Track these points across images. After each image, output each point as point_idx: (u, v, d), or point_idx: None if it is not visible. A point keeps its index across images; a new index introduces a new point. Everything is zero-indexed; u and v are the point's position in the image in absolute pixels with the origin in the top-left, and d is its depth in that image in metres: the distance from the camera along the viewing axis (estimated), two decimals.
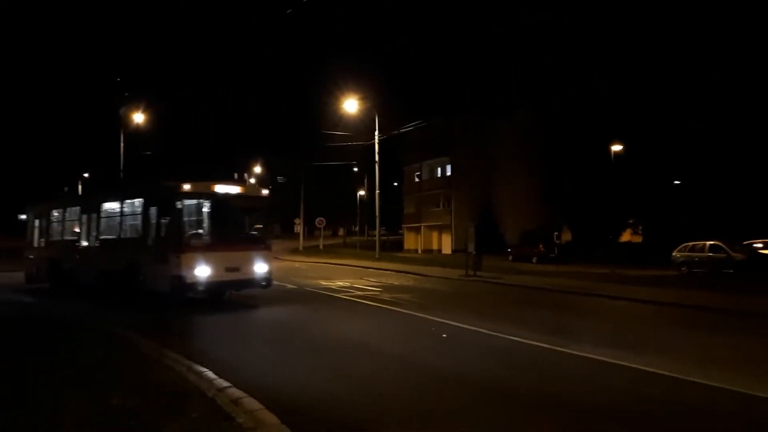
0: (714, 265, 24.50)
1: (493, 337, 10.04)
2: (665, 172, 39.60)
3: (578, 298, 16.82)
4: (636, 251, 36.97)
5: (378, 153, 37.54)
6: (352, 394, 6.63)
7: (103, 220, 16.09)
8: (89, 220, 16.62)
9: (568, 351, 8.76)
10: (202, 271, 12.84)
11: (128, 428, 5.04)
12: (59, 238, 18.36)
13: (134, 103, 34.81)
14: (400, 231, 66.58)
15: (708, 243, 25.67)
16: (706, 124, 35.97)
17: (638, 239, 45.40)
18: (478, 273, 23.39)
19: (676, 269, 26.30)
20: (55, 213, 18.86)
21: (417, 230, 61.33)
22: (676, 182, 41.11)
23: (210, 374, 6.79)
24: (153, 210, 13.90)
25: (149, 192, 14.63)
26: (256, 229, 15.08)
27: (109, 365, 7.30)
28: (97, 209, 16.26)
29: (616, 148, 37.21)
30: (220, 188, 13.91)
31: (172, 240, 12.92)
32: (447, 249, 54.85)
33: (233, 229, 14.34)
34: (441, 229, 57.78)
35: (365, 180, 66.35)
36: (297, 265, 33.67)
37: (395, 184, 68.40)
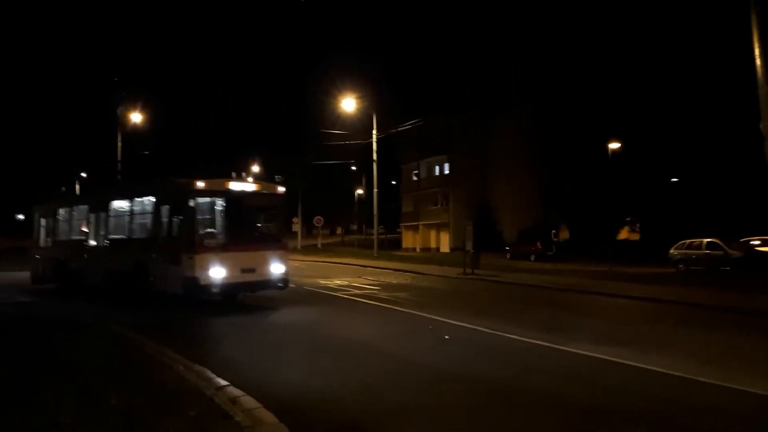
0: (711, 263, 24.56)
1: (491, 335, 10.05)
2: (663, 170, 39.64)
3: (576, 296, 16.86)
4: (633, 249, 37.01)
5: (376, 152, 37.55)
6: (350, 393, 6.63)
7: (111, 219, 15.61)
8: (97, 218, 16.16)
9: (567, 349, 8.77)
10: (217, 273, 12.34)
11: (127, 427, 5.04)
12: (66, 237, 17.88)
13: (131, 103, 34.78)
14: (399, 229, 66.61)
15: (705, 240, 25.72)
16: (704, 122, 36.02)
17: (635, 237, 45.46)
18: (476, 271, 23.42)
19: (674, 267, 26.36)
20: (62, 212, 18.37)
21: (415, 229, 61.38)
22: (674, 180, 41.18)
23: (208, 373, 6.79)
24: (165, 208, 13.39)
25: (161, 190, 14.08)
26: (272, 228, 14.63)
27: (109, 365, 7.29)
28: (106, 208, 15.76)
29: (614, 146, 37.25)
30: (235, 185, 13.43)
31: (185, 240, 12.43)
32: (445, 247, 54.91)
33: (248, 228, 13.82)
34: (439, 227, 57.84)
35: (363, 179, 66.30)
36: (295, 263, 33.54)
37: (393, 182, 68.41)
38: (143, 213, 14.46)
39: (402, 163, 63.51)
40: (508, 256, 38.08)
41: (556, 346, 8.96)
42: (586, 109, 41.42)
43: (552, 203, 44.42)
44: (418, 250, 58.00)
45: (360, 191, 71.19)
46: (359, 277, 23.12)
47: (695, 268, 25.16)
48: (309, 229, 63.70)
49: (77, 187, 52.75)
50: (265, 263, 13.32)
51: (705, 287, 17.62)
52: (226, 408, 5.51)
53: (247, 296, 14.55)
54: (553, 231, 36.03)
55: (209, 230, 13.16)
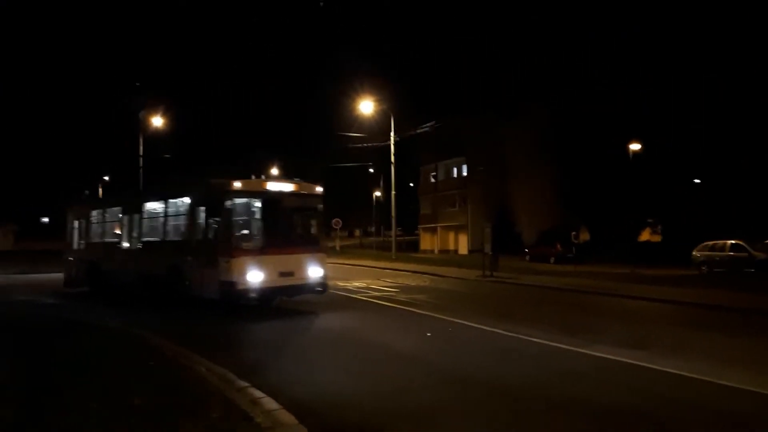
0: (735, 265, 24.15)
1: (511, 338, 9.99)
2: (685, 171, 39.09)
3: (598, 299, 16.68)
4: (655, 251, 36.52)
5: (393, 154, 37.57)
6: (369, 395, 6.64)
7: (145, 221, 15.31)
8: (130, 221, 15.86)
9: (588, 352, 8.68)
10: (255, 276, 11.91)
11: (149, 427, 5.11)
12: (99, 239, 17.62)
13: (153, 107, 35.25)
14: (416, 232, 66.49)
15: (729, 242, 25.30)
16: (728, 122, 35.46)
17: (657, 239, 44.85)
18: (494, 273, 23.30)
19: (697, 269, 25.96)
20: (95, 213, 18.11)
21: (433, 231, 61.24)
22: (696, 181, 40.56)
23: (230, 375, 6.86)
24: (200, 210, 12.98)
25: (196, 191, 13.60)
26: (310, 229, 14.23)
27: (133, 367, 7.39)
28: (139, 209, 15.45)
29: (635, 146, 36.79)
30: (273, 186, 13.14)
31: (222, 242, 12.04)
32: (463, 249, 54.67)
33: (286, 229, 13.36)
34: (457, 229, 57.62)
35: (381, 181, 66.33)
36: None
37: (411, 184, 68.32)
38: (178, 215, 14.21)
39: (419, 165, 63.41)
40: (527, 258, 37.81)
41: (576, 349, 8.88)
42: (604, 110, 41.00)
43: (571, 204, 43.97)
44: (436, 252, 57.85)
45: (378, 193, 71.25)
46: (378, 279, 23.13)
47: (719, 270, 24.75)
48: (327, 231, 63.85)
49: (100, 190, 53.60)
50: (303, 266, 12.96)
51: (729, 290, 17.33)
52: (247, 409, 5.56)
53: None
54: (573, 233, 35.56)
55: (246, 232, 12.79)
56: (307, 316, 12.84)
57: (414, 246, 62.81)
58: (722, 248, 25.48)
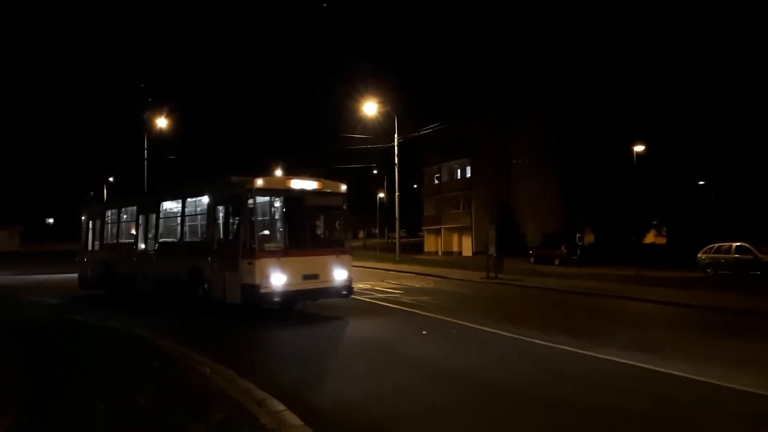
0: (740, 267, 24.05)
1: (515, 341, 9.97)
2: (689, 173, 38.98)
3: (602, 301, 16.63)
4: (660, 253, 36.44)
5: (397, 156, 37.58)
6: (374, 396, 6.64)
7: (162, 221, 14.81)
8: (146, 221, 15.34)
9: (594, 355, 8.65)
10: (278, 279, 11.34)
11: (154, 428, 5.12)
12: (114, 241, 17.17)
13: (157, 108, 35.39)
14: (420, 233, 66.50)
15: (734, 244, 25.18)
16: (732, 123, 35.36)
17: (662, 241, 44.76)
18: (499, 275, 23.25)
19: (702, 271, 25.85)
20: (110, 214, 17.59)
21: (437, 232, 61.21)
22: (701, 183, 40.44)
23: (235, 376, 6.87)
24: (220, 209, 12.53)
25: (216, 189, 12.96)
26: (334, 230, 13.69)
27: (139, 369, 7.40)
28: (156, 209, 14.91)
29: (639, 148, 36.72)
30: (296, 183, 12.51)
31: (244, 243, 11.39)
32: (467, 251, 54.63)
33: (310, 230, 12.87)
34: (461, 231, 57.58)
35: (385, 182, 66.36)
36: None
37: (414, 186, 68.32)
38: (196, 214, 13.78)
39: (423, 166, 63.40)
40: (531, 260, 37.74)
41: (581, 351, 8.85)
42: (607, 111, 40.94)
43: (576, 206, 43.92)
44: (440, 253, 57.81)
45: (381, 195, 71.29)
46: (382, 280, 23.11)
47: (724, 272, 24.63)
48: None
49: (105, 191, 53.79)
50: (328, 269, 12.39)
51: (734, 292, 17.26)
52: (252, 410, 5.56)
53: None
54: (578, 234, 35.58)
55: (267, 233, 12.28)
56: (311, 316, 12.82)
57: (418, 248, 62.80)
58: (727, 250, 25.38)
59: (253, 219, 11.52)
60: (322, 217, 13.43)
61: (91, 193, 62.41)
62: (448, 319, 12.34)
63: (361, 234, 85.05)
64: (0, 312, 14.31)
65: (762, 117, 34.07)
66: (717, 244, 26.17)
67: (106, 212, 17.77)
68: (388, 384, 7.22)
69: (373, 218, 77.48)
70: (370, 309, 14.45)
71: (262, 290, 11.16)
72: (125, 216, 16.77)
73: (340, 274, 12.56)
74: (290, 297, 11.90)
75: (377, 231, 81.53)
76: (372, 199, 75.28)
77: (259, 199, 11.94)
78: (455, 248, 58.47)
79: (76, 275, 18.87)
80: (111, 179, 58.25)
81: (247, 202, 11.46)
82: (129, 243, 16.09)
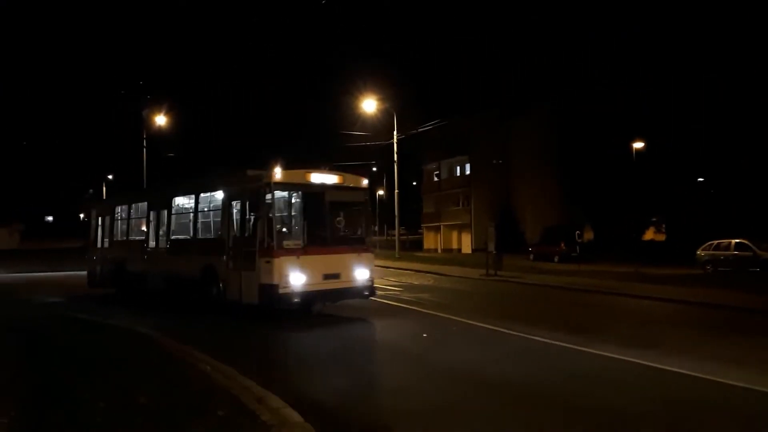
0: (740, 264, 24.07)
1: (515, 337, 9.98)
2: (688, 170, 38.98)
3: (602, 298, 16.65)
4: (659, 250, 36.44)
5: (396, 153, 37.55)
6: (375, 393, 6.66)
7: (174, 218, 14.26)
8: (158, 217, 14.79)
9: (594, 351, 8.64)
10: (297, 279, 10.80)
11: (155, 425, 5.13)
12: (124, 237, 16.65)
13: (156, 106, 35.33)
14: (420, 230, 66.51)
15: (734, 241, 25.21)
16: (731, 120, 35.36)
17: (661, 237, 44.77)
18: (498, 272, 23.27)
19: (701, 268, 25.87)
20: (119, 210, 17.02)
21: (436, 229, 61.23)
22: (700, 180, 40.45)
23: (235, 373, 6.88)
24: (236, 204, 11.91)
25: (232, 183, 12.36)
26: (356, 227, 12.99)
27: (138, 366, 7.42)
28: (168, 204, 14.34)
29: (638, 145, 36.70)
30: (317, 177, 11.90)
31: (261, 241, 10.87)
32: (467, 248, 54.66)
33: (330, 226, 12.03)
34: (460, 228, 57.61)
35: (384, 179, 66.38)
36: None
37: (414, 183, 68.33)
38: (211, 210, 13.25)
39: (423, 164, 63.38)
40: (531, 257, 37.76)
41: (582, 348, 8.85)
42: (607, 109, 40.93)
43: (575, 203, 43.94)
44: (439, 251, 57.85)
45: (381, 192, 71.32)
46: (381, 278, 23.10)
47: (723, 269, 24.67)
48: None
49: (104, 189, 53.77)
50: (349, 268, 11.80)
51: (734, 289, 17.28)
52: (253, 407, 5.57)
53: None
54: (577, 232, 35.55)
55: (288, 229, 11.83)
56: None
57: (417, 245, 62.82)
58: (727, 247, 25.40)
59: (271, 215, 10.91)
60: (342, 213, 12.68)
61: (91, 191, 62.42)
62: (448, 316, 12.35)
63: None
64: (3, 311, 14.26)
65: (761, 114, 34.06)
66: (716, 241, 26.20)
67: (116, 208, 17.28)
68: (386, 381, 7.27)
69: (372, 216, 77.38)
70: (370, 306, 14.15)
71: (281, 290, 10.63)
72: (135, 212, 16.30)
73: (361, 274, 11.98)
74: (310, 298, 11.29)
75: (377, 228, 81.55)
76: (372, 197, 75.14)
77: (277, 193, 11.43)
78: (455, 245, 58.51)
79: (76, 273, 18.83)
80: (110, 177, 58.22)
81: (264, 196, 10.92)
82: (139, 240, 15.66)
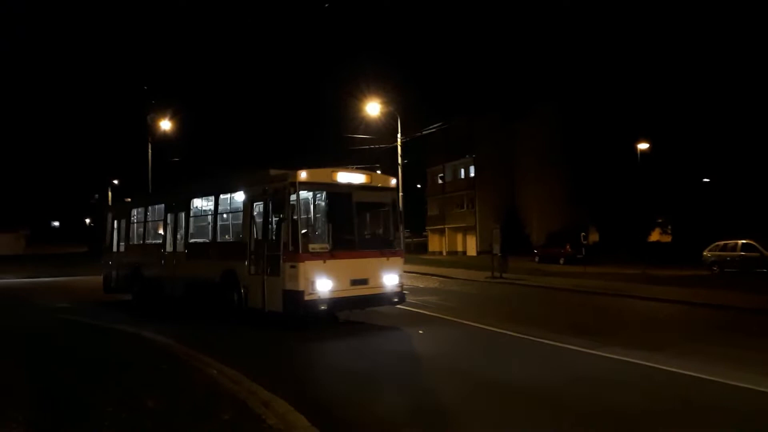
0: (747, 265, 23.95)
1: (521, 340, 9.97)
2: (694, 170, 38.83)
3: (609, 300, 16.59)
4: (665, 251, 36.30)
5: (401, 155, 37.56)
6: (379, 395, 6.65)
7: (192, 220, 13.79)
8: (175, 219, 14.35)
9: (601, 354, 8.62)
10: (324, 285, 10.21)
11: (161, 428, 5.14)
12: (140, 241, 16.16)
13: (161, 110, 35.48)
14: (424, 233, 66.47)
15: (740, 242, 25.10)
16: (737, 120, 35.21)
17: (667, 239, 44.59)
18: (504, 275, 23.23)
19: (708, 269, 25.77)
20: (136, 213, 16.59)
21: (441, 232, 61.19)
22: (706, 180, 40.29)
23: (241, 377, 6.89)
24: (259, 206, 11.40)
25: (253, 183, 11.71)
26: (385, 229, 12.28)
27: (146, 370, 7.44)
28: (186, 207, 13.87)
29: (643, 146, 36.61)
30: (343, 177, 11.33)
31: (286, 244, 10.30)
32: (472, 251, 54.60)
33: (358, 229, 11.40)
34: (465, 230, 57.54)
35: None
36: None
37: (418, 185, 68.26)
38: (231, 212, 12.75)
39: (427, 166, 63.37)
40: (536, 259, 37.69)
41: (588, 351, 8.82)
42: (613, 109, 40.82)
43: (580, 204, 43.84)
44: (444, 253, 57.79)
45: None
46: None
47: (730, 270, 24.56)
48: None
49: (109, 194, 53.96)
50: (378, 273, 11.15)
51: (741, 290, 17.21)
52: (259, 411, 5.57)
53: None
54: (583, 233, 35.50)
55: (313, 232, 11.33)
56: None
57: (422, 247, 62.78)
58: (733, 248, 25.29)
59: (295, 216, 10.33)
60: (371, 214, 12.21)
61: (96, 196, 62.67)
62: (455, 319, 12.37)
63: None
64: (11, 316, 14.24)
65: (766, 113, 33.92)
66: (723, 242, 26.09)
67: (132, 211, 16.86)
68: (391, 383, 7.23)
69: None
70: (375, 309, 13.95)
71: (307, 297, 10.04)
72: (152, 215, 15.86)
73: (390, 279, 11.35)
74: (337, 304, 10.69)
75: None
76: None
77: (304, 194, 11.01)
78: (460, 248, 58.44)
79: (82, 278, 18.82)
80: (116, 182, 58.43)
81: (289, 197, 10.37)
82: (156, 244, 15.16)
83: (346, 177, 11.41)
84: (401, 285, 11.58)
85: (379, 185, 11.99)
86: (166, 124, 35.67)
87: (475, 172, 56.19)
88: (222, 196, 12.85)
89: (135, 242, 16.56)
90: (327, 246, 10.79)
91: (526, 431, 5.56)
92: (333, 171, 11.29)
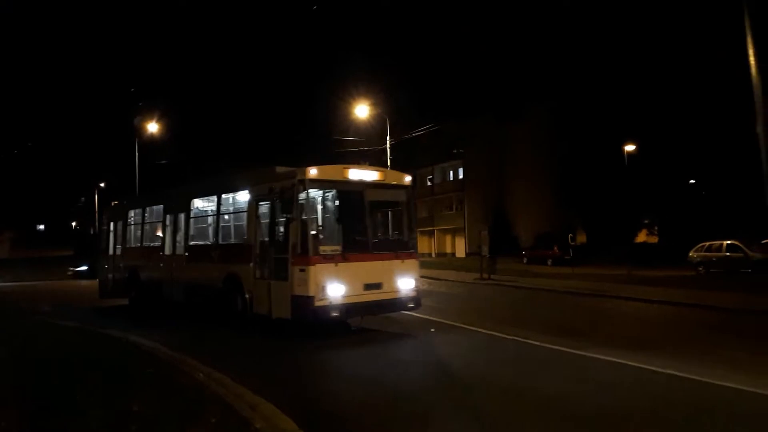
0: (732, 265, 24.23)
1: (510, 342, 10.00)
2: (680, 172, 39.27)
3: (597, 301, 16.71)
4: (652, 252, 36.65)
5: (390, 158, 37.58)
6: (367, 397, 6.63)
7: (192, 221, 13.21)
8: (175, 221, 13.73)
9: (590, 355, 8.63)
10: (336, 290, 9.54)
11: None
12: (138, 244, 15.52)
13: (148, 113, 35.25)
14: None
15: (725, 243, 25.38)
16: (722, 123, 35.64)
17: (654, 240, 45.03)
18: (492, 276, 23.33)
19: (694, 270, 26.04)
20: (133, 214, 15.96)
21: (430, 234, 61.27)
22: (691, 181, 40.75)
23: (228, 381, 6.85)
24: (265, 205, 10.76)
25: (259, 181, 11.01)
26: (400, 229, 11.58)
27: (132, 375, 7.37)
28: (186, 207, 13.27)
29: (629, 148, 36.98)
30: (355, 174, 10.64)
31: (294, 246, 9.68)
32: (461, 252, 54.75)
33: (371, 229, 10.67)
34: (454, 232, 57.71)
35: None
36: None
37: None
38: (234, 212, 12.20)
39: (416, 168, 63.42)
40: (524, 260, 37.89)
41: (577, 352, 8.85)
42: (600, 112, 41.18)
43: (568, 206, 44.17)
44: (433, 255, 57.89)
45: None
46: None
47: (715, 270, 24.84)
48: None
49: (95, 197, 53.50)
50: (392, 276, 10.46)
51: (725, 290, 17.38)
52: (246, 415, 5.54)
53: None
54: (570, 235, 35.75)
55: (323, 233, 10.61)
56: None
57: None
58: (718, 249, 25.57)
59: (305, 216, 9.75)
60: (385, 214, 11.53)
61: (83, 199, 62.12)
62: (444, 321, 12.40)
63: None
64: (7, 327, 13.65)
65: (751, 116, 34.31)
66: (708, 243, 26.38)
67: (129, 212, 16.23)
68: (380, 385, 7.20)
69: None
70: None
71: (318, 303, 9.37)
72: (150, 216, 15.23)
73: (406, 283, 10.64)
74: (350, 311, 9.94)
75: None
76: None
77: (313, 192, 10.40)
78: (448, 249, 58.58)
79: (72, 281, 18.58)
80: (102, 185, 57.95)
81: (298, 196, 9.76)
82: (155, 246, 14.53)
83: (358, 174, 10.72)
84: (417, 289, 10.89)
85: (393, 182, 11.29)
86: (153, 127, 35.45)
87: (464, 174, 56.38)
88: (224, 196, 12.30)
89: (132, 245, 15.93)
90: (338, 248, 10.07)
91: None
92: (344, 167, 10.71)
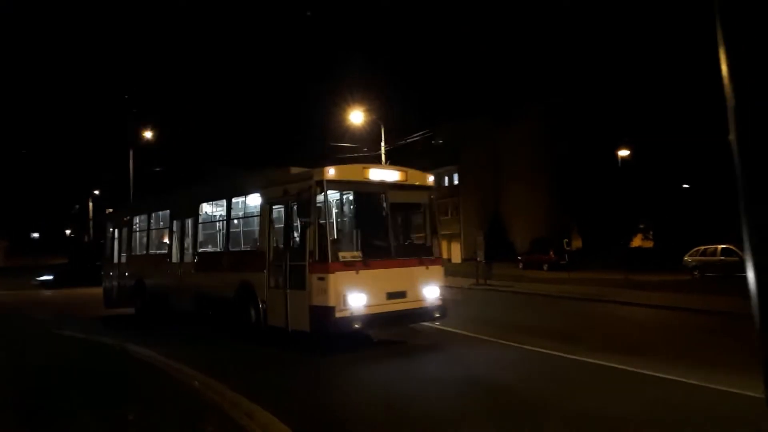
0: (726, 269, 24.30)
1: (506, 347, 10.00)
2: (674, 176, 39.45)
3: (593, 306, 16.74)
4: (647, 256, 36.75)
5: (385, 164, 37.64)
6: (364, 406, 6.61)
7: (201, 227, 12.64)
8: (182, 227, 13.06)
9: (585, 360, 8.66)
10: (358, 299, 8.90)
11: None
12: (144, 251, 14.98)
13: (143, 120, 35.25)
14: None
15: (720, 246, 25.48)
16: (716, 127, 35.81)
17: (649, 244, 45.15)
18: (488, 281, 23.34)
19: (689, 274, 26.11)
20: (138, 221, 15.38)
21: None
22: (686, 186, 40.94)
23: (224, 389, 6.81)
24: (279, 209, 10.22)
25: (272, 183, 10.41)
26: (423, 233, 10.91)
27: (128, 383, 7.32)
28: (194, 212, 12.66)
29: (624, 152, 37.15)
30: (375, 174, 9.93)
31: (312, 252, 9.03)
32: (456, 258, 54.77)
33: (393, 233, 9.99)
34: (450, 237, 57.70)
35: None
36: None
37: None
38: (246, 217, 11.53)
39: None
40: (520, 265, 37.92)
41: (573, 357, 8.87)
42: (595, 117, 41.38)
43: (564, 211, 44.30)
44: None
45: None
46: None
47: (710, 274, 24.92)
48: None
49: (90, 204, 53.32)
50: (416, 284, 9.78)
51: (720, 294, 17.44)
52: (243, 423, 5.51)
53: None
54: (566, 240, 35.92)
55: (343, 238, 10.08)
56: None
57: None
58: (713, 253, 25.66)
59: (323, 221, 9.09)
60: (407, 217, 10.89)
61: (77, 206, 61.87)
62: (441, 327, 12.34)
63: None
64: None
65: (725, 124, 34.53)
66: (703, 247, 26.48)
67: (134, 219, 15.62)
68: (377, 392, 7.18)
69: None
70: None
71: (338, 313, 8.74)
72: (156, 222, 14.63)
73: (431, 292, 9.98)
74: (373, 322, 9.29)
75: None
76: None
77: (332, 194, 9.84)
78: (444, 255, 58.37)
79: (70, 290, 18.37)
80: (97, 192, 57.74)
81: (315, 198, 9.11)
82: (161, 254, 13.95)
83: (379, 174, 10.00)
84: (442, 297, 10.22)
85: (416, 183, 10.54)
86: (147, 133, 35.40)
87: (459, 180, 56.51)
88: (235, 200, 11.67)
89: (137, 252, 15.32)
90: (359, 254, 9.45)
91: None
92: (364, 167, 10.00)
